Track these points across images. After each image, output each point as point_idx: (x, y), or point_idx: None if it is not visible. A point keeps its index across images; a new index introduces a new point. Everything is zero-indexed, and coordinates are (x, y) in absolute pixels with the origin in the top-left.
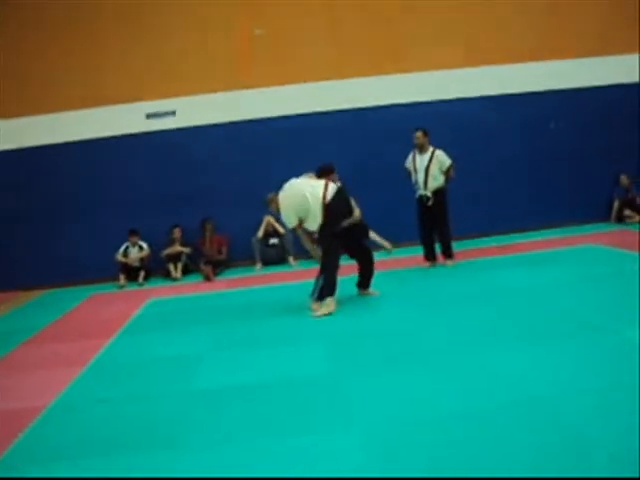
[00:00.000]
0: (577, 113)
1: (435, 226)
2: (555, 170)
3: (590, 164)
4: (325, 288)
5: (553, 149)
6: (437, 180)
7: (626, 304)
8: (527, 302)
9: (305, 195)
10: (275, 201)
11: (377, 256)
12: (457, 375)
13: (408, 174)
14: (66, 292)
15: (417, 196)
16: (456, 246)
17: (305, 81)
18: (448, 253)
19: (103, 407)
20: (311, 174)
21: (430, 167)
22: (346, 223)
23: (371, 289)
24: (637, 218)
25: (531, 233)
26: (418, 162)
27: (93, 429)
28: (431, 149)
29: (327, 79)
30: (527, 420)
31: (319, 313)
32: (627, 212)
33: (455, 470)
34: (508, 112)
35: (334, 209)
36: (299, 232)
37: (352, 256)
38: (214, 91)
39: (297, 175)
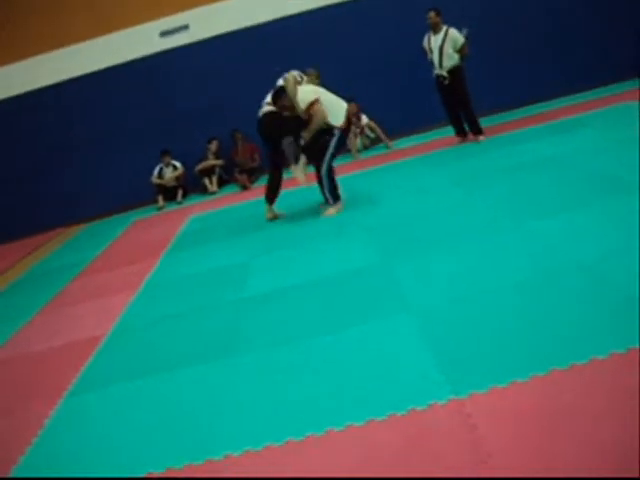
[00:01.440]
0: None
1: (457, 104)
2: (578, 30)
3: (615, 18)
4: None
5: (574, 8)
6: (452, 59)
7: None
8: (564, 169)
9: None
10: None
11: (377, 150)
12: (502, 248)
13: (425, 55)
14: (108, 222)
15: (434, 76)
16: (484, 122)
17: None
18: (476, 129)
19: (161, 325)
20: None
21: (444, 46)
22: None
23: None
24: None
25: (559, 99)
26: (432, 42)
27: (156, 347)
28: (444, 28)
29: None
30: (576, 285)
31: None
32: None
33: (513, 340)
34: None
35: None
36: (315, 109)
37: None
38: None
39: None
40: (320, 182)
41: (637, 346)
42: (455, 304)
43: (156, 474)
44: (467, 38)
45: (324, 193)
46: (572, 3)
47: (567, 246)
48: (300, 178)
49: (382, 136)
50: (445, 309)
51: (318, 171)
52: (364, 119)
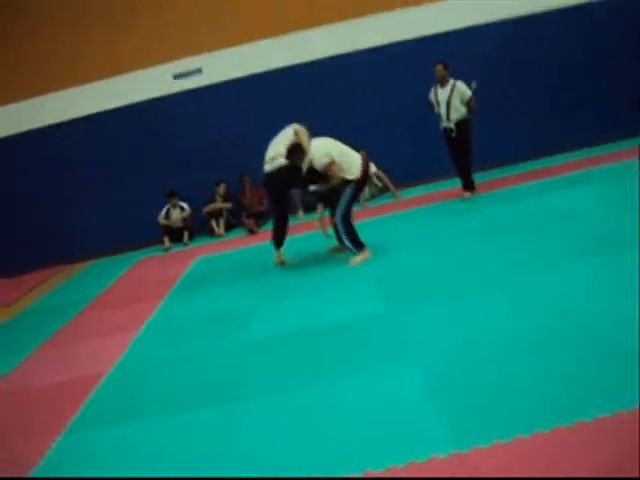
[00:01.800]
0: (605, 24)
1: (459, 156)
2: (585, 87)
3: (621, 76)
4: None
5: (581, 64)
6: (459, 111)
7: None
8: (571, 224)
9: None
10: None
11: (384, 199)
12: (507, 301)
13: (431, 107)
14: (113, 260)
15: (441, 129)
16: (487, 175)
17: (330, 22)
18: (466, 185)
19: (164, 366)
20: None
21: (451, 99)
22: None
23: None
24: None
25: (566, 154)
26: (440, 95)
27: (156, 389)
28: (451, 81)
29: (347, 18)
30: (584, 342)
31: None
32: None
33: (512, 395)
34: (532, 33)
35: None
36: (333, 170)
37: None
38: (240, 44)
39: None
40: (336, 228)
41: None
42: (459, 356)
43: None
44: (475, 92)
45: (342, 240)
46: (577, 58)
47: (572, 301)
48: (323, 231)
49: (389, 185)
50: (449, 361)
51: (334, 217)
52: (372, 168)
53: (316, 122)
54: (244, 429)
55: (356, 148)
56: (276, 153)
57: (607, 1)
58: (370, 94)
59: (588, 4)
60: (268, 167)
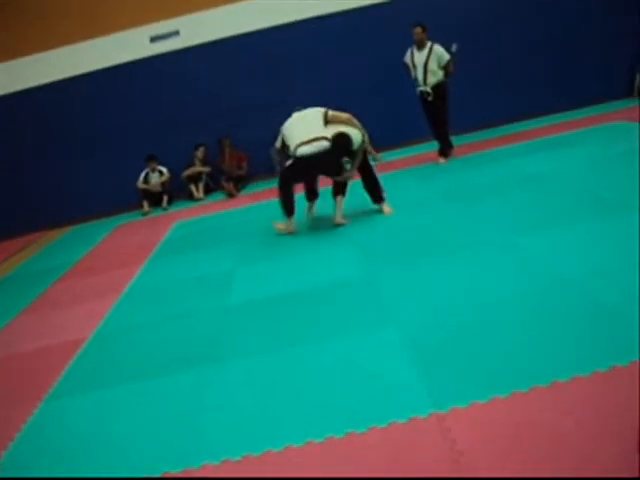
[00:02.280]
0: None
1: (435, 121)
2: (572, 49)
3: (609, 39)
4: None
5: (569, 26)
6: (436, 75)
7: None
8: (550, 186)
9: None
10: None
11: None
12: (488, 263)
13: (407, 70)
14: (92, 226)
15: (418, 92)
16: (469, 138)
17: None
18: (443, 151)
19: (144, 331)
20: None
21: (428, 62)
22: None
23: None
24: None
25: (549, 117)
26: (417, 58)
27: (137, 353)
28: (429, 44)
29: None
30: (562, 302)
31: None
32: None
33: (494, 358)
34: None
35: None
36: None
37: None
38: (218, 5)
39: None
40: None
41: (620, 364)
42: (439, 318)
43: None
44: (454, 54)
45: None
46: (557, 18)
47: (552, 263)
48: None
49: (369, 148)
50: (429, 323)
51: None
52: None
53: (297, 85)
54: (224, 392)
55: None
56: (317, 135)
57: None
58: (351, 57)
59: None
60: (311, 149)
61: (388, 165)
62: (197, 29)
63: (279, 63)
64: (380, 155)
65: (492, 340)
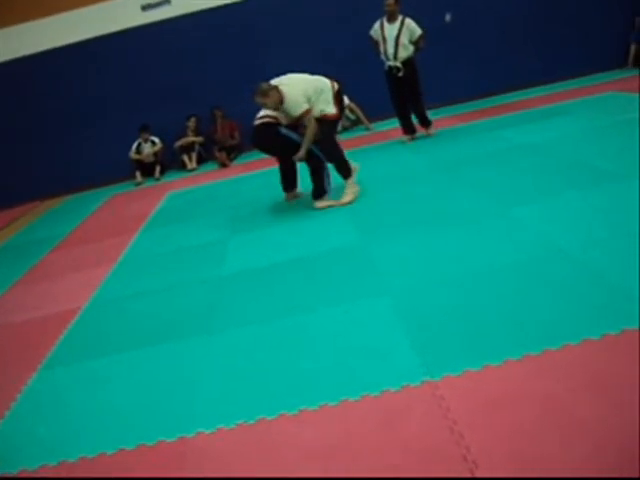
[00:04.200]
0: None
1: (408, 97)
2: (563, 18)
3: (602, 7)
4: (343, 170)
5: None
6: (407, 50)
7: None
8: (544, 156)
9: (315, 77)
10: (273, 93)
11: (357, 132)
12: (483, 233)
13: (375, 44)
14: (85, 196)
15: (386, 67)
16: (461, 108)
17: None
18: (427, 122)
19: (138, 300)
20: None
21: (400, 36)
22: None
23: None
24: None
25: (541, 88)
26: (387, 31)
27: (131, 323)
28: (400, 17)
29: None
30: (553, 271)
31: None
32: None
33: (487, 326)
34: None
35: (342, 99)
36: (307, 118)
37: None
38: None
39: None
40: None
41: (611, 333)
42: (433, 287)
43: (128, 450)
44: (448, 23)
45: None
46: None
47: (546, 232)
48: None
49: (362, 118)
50: (422, 292)
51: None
52: (345, 100)
53: (286, 55)
54: (218, 361)
55: (331, 78)
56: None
57: None
58: (342, 26)
59: None
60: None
61: (381, 135)
62: None
63: (271, 33)
64: (372, 125)
65: (485, 309)
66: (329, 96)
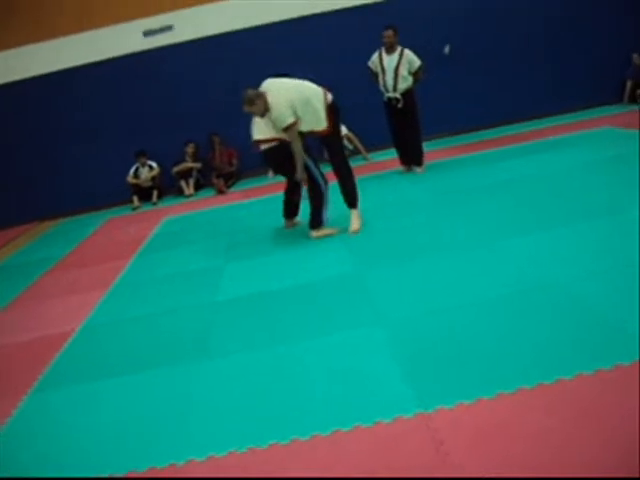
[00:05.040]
0: None
1: (407, 128)
2: (562, 53)
3: (600, 44)
4: (351, 196)
5: (558, 32)
6: (406, 81)
7: None
8: (536, 189)
9: (306, 85)
10: (260, 102)
11: (355, 162)
12: (476, 264)
13: (373, 75)
14: (82, 219)
15: (385, 99)
16: (457, 140)
17: None
18: (419, 158)
19: (132, 324)
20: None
21: (399, 67)
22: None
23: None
24: None
25: (538, 121)
26: (386, 62)
27: (124, 347)
28: (399, 49)
29: None
30: (548, 304)
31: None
32: None
33: (480, 359)
34: None
35: (338, 110)
36: (292, 132)
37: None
38: (212, 1)
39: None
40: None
41: (605, 368)
42: (426, 318)
43: (118, 476)
44: (447, 55)
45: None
46: (553, 25)
47: (537, 265)
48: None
49: (360, 148)
50: (416, 322)
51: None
52: (343, 130)
53: None
54: (210, 388)
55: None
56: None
57: None
58: (342, 55)
59: None
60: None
61: (379, 165)
62: (190, 25)
63: (270, 61)
64: (370, 155)
65: (478, 341)
66: (319, 107)
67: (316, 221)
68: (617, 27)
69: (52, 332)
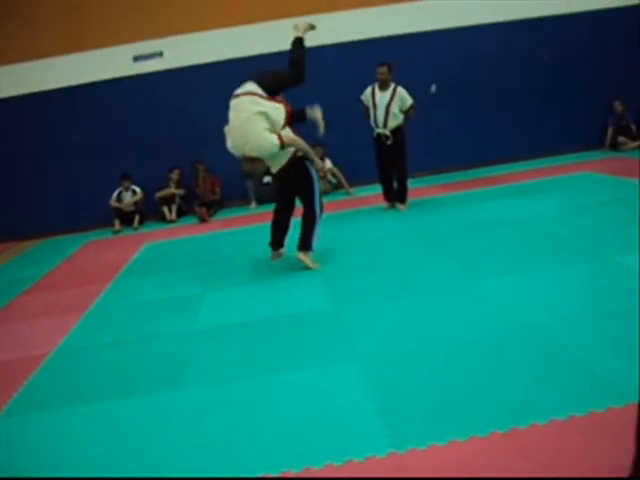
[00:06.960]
0: (568, 39)
1: (393, 166)
2: (545, 99)
3: (582, 91)
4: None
5: (542, 77)
6: (397, 119)
7: (623, 231)
8: (517, 232)
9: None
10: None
11: (337, 196)
12: (454, 305)
13: (365, 109)
14: (62, 240)
15: (375, 134)
16: (441, 179)
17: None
18: (403, 196)
19: (106, 351)
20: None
21: (391, 105)
22: None
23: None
24: (631, 145)
25: (520, 163)
26: (378, 98)
27: (97, 373)
28: (393, 86)
29: (314, 12)
30: (524, 348)
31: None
32: (621, 139)
33: (454, 400)
34: (497, 41)
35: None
36: (289, 140)
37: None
38: (203, 30)
39: None
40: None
41: (578, 414)
42: (402, 357)
43: None
44: (433, 95)
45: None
46: (543, 69)
47: (516, 308)
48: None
49: (343, 182)
50: (392, 361)
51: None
52: (328, 163)
53: None
54: (182, 419)
55: (312, 145)
56: None
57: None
58: (328, 89)
59: (560, 16)
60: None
61: (361, 200)
62: (181, 52)
63: None
64: (353, 190)
65: (452, 383)
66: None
67: (305, 243)
68: (600, 74)
69: (25, 355)
